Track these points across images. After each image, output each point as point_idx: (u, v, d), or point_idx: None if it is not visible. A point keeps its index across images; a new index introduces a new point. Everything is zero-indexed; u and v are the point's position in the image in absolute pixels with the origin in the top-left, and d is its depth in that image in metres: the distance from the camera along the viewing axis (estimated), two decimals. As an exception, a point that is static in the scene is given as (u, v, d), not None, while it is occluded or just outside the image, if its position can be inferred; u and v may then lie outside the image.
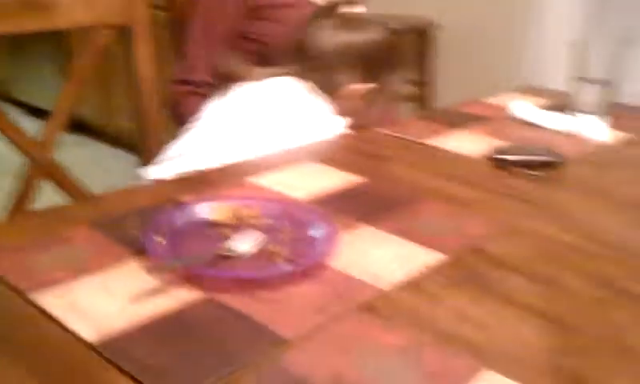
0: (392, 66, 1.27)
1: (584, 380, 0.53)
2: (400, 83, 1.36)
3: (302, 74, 1.20)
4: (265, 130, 1.12)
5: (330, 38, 1.20)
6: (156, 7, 1.22)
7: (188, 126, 1.20)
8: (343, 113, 1.19)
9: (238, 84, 1.18)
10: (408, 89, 2.84)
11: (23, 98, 3.80)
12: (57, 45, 3.47)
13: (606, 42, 1.70)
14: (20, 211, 1.07)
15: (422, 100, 2.87)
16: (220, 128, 1.13)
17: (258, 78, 1.19)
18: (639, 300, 0.66)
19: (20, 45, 3.78)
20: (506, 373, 0.52)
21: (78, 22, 1.13)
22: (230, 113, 1.15)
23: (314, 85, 1.19)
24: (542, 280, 0.68)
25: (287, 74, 1.19)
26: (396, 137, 1.14)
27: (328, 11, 1.24)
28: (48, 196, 1.14)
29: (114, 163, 3.28)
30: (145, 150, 1.26)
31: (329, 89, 1.20)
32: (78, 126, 3.22)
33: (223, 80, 1.20)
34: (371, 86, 1.22)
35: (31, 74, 3.80)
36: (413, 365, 0.53)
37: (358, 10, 1.27)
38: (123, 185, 0.88)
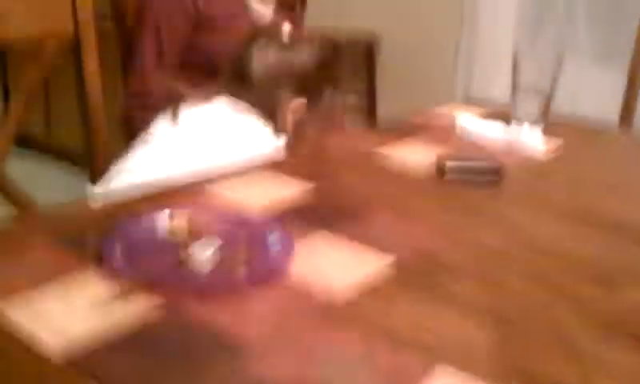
0: (329, 82, 1.30)
1: (530, 371, 0.57)
2: (340, 97, 1.39)
3: (240, 94, 1.21)
4: (209, 150, 1.13)
5: (265, 57, 1.22)
6: (103, 18, 1.22)
7: (138, 140, 1.20)
8: (281, 131, 1.22)
9: (186, 104, 1.20)
10: (353, 100, 2.89)
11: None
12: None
13: (543, 53, 1.78)
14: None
15: (367, 111, 2.93)
16: (168, 146, 1.14)
17: (201, 100, 1.20)
18: (579, 301, 0.70)
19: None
20: (458, 367, 0.55)
21: (26, 33, 1.13)
22: (178, 132, 1.16)
23: (251, 105, 1.21)
24: (488, 283, 0.72)
25: (226, 94, 1.21)
26: (344, 147, 1.18)
27: (264, 31, 1.26)
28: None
29: (57, 176, 3.22)
30: (93, 164, 1.26)
31: (266, 108, 1.22)
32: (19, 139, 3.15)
33: (171, 98, 1.21)
34: (305, 102, 1.24)
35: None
36: (369, 365, 0.56)
37: (289, 28, 1.29)
38: (68, 198, 0.89)
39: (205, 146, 1.11)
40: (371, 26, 2.89)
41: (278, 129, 1.21)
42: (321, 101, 1.27)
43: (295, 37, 1.26)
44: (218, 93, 1.21)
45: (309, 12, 1.70)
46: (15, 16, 1.10)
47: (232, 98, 1.20)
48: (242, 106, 1.19)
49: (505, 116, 1.36)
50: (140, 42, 1.46)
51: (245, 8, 1.53)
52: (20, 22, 1.11)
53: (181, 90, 1.20)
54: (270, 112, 1.21)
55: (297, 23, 1.65)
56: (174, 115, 1.16)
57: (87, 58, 1.21)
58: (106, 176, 1.15)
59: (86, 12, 1.18)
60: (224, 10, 1.49)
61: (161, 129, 1.19)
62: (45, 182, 2.70)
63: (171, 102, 1.19)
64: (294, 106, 1.23)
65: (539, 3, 2.47)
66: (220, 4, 1.49)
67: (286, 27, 1.26)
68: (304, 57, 1.24)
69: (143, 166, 1.12)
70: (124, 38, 1.53)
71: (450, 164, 1.07)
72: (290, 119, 1.23)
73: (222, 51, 1.45)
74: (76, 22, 1.18)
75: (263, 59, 1.21)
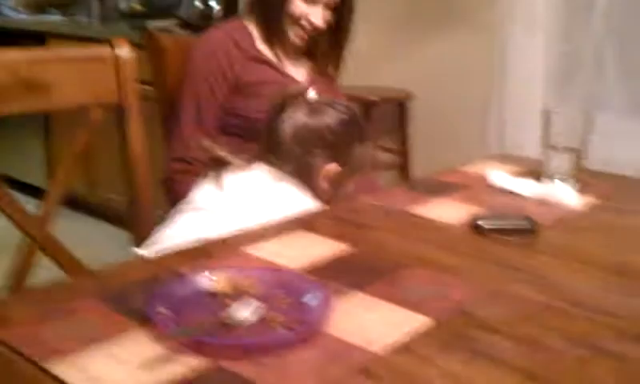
0: (359, 142, 1.32)
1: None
2: (371, 155, 1.42)
3: (274, 160, 1.25)
4: (250, 216, 1.17)
5: (293, 122, 1.26)
6: (143, 83, 1.28)
7: (180, 207, 1.25)
8: (315, 195, 1.25)
9: (227, 170, 1.24)
10: (387, 157, 2.93)
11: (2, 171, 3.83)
12: (39, 119, 3.52)
13: (573, 109, 1.80)
14: (20, 286, 1.10)
15: (401, 168, 2.96)
16: (211, 211, 1.18)
17: (242, 167, 1.24)
18: (615, 357, 0.70)
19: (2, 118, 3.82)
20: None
21: (75, 102, 1.19)
22: (221, 197, 1.20)
23: (286, 170, 1.24)
24: (525, 340, 0.73)
25: (264, 161, 1.25)
26: (379, 206, 1.20)
27: (291, 97, 1.29)
28: (46, 269, 1.17)
29: (99, 236, 3.29)
30: (136, 225, 1.30)
31: (299, 173, 1.25)
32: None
33: (212, 163, 1.25)
34: (340, 168, 1.27)
35: (13, 147, 3.83)
36: (409, 422, 0.57)
37: (315, 93, 1.33)
38: (110, 257, 0.92)
39: (246, 212, 1.15)
40: (404, 85, 2.94)
41: (313, 194, 1.25)
42: (352, 161, 1.30)
43: (323, 100, 1.30)
44: (256, 159, 1.25)
45: (342, 71, 1.75)
46: (65, 85, 1.16)
47: (269, 163, 1.24)
48: (280, 172, 1.23)
49: (537, 172, 1.38)
50: (181, 106, 1.52)
51: (280, 73, 1.59)
52: (70, 91, 1.17)
53: (223, 156, 1.25)
54: (304, 177, 1.25)
55: (330, 85, 1.70)
56: (218, 180, 1.21)
57: (131, 123, 1.27)
58: (150, 238, 1.19)
59: (131, 80, 1.24)
60: (260, 76, 1.55)
61: (204, 193, 1.23)
62: (86, 242, 2.78)
63: (214, 167, 1.23)
64: (327, 170, 1.26)
65: (568, 58, 2.50)
66: (256, 70, 1.55)
67: (312, 93, 1.30)
68: (332, 119, 1.27)
69: (186, 230, 1.15)
70: (165, 102, 1.59)
71: (484, 222, 1.08)
72: (323, 184, 1.26)
73: (257, 116, 1.51)
74: (121, 90, 1.23)
75: (292, 124, 1.25)
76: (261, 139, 1.31)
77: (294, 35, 1.57)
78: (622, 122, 2.38)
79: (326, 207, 1.23)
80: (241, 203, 1.18)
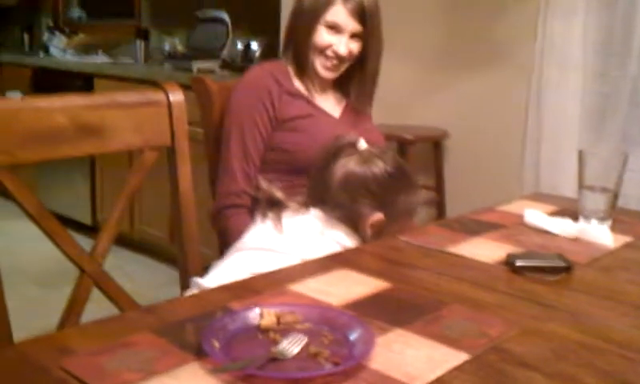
0: (405, 191, 1.37)
1: None
2: (416, 204, 1.46)
3: (324, 205, 1.31)
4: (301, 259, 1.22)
5: (345, 170, 1.32)
6: (190, 123, 1.35)
7: (238, 245, 1.31)
8: (365, 243, 1.30)
9: (284, 211, 1.30)
10: (422, 195, 2.96)
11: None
12: (85, 158, 3.64)
13: (608, 151, 1.82)
14: (76, 319, 1.16)
15: (438, 206, 2.99)
16: (269, 254, 1.24)
17: (298, 210, 1.30)
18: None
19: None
20: None
21: (129, 144, 1.26)
22: (279, 241, 1.26)
23: (335, 217, 1.30)
24: (559, 377, 0.76)
25: (315, 206, 1.31)
26: (417, 245, 1.24)
27: (343, 146, 1.35)
28: (96, 304, 1.23)
29: (141, 271, 3.37)
30: (183, 261, 1.36)
31: (348, 220, 1.30)
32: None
33: (269, 204, 1.32)
34: (385, 217, 1.32)
35: (60, 185, 3.97)
36: None
37: (366, 143, 1.38)
38: (154, 292, 0.97)
39: (302, 254, 1.20)
40: (439, 123, 2.99)
41: (360, 240, 1.30)
42: (397, 211, 1.34)
43: (374, 151, 1.35)
44: (308, 203, 1.31)
45: (376, 110, 1.80)
46: (120, 129, 1.23)
47: (320, 209, 1.29)
48: (330, 218, 1.28)
49: (572, 212, 1.40)
50: (227, 142, 1.58)
51: (313, 106, 1.64)
52: (124, 134, 1.24)
53: (280, 197, 1.31)
54: (351, 223, 1.30)
55: (367, 123, 1.74)
56: (277, 222, 1.27)
57: (181, 163, 1.33)
58: (199, 270, 1.25)
59: (182, 123, 1.31)
60: (295, 110, 1.60)
61: (262, 234, 1.29)
62: (130, 276, 2.86)
63: (271, 209, 1.30)
64: (373, 219, 1.31)
65: (604, 98, 2.52)
66: (292, 104, 1.60)
67: (363, 143, 1.36)
68: (379, 170, 1.32)
69: (243, 268, 1.21)
70: (211, 142, 1.66)
71: (519, 260, 1.12)
72: (368, 232, 1.31)
73: (299, 150, 1.57)
74: (173, 132, 1.30)
75: (341, 172, 1.31)
76: (310, 184, 1.37)
77: (321, 66, 1.62)
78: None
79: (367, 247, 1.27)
80: (298, 245, 1.24)
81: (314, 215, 1.30)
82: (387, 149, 1.42)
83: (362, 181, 1.31)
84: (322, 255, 1.16)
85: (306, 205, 1.33)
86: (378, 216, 1.32)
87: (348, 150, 1.34)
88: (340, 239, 1.28)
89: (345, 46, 1.60)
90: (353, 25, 1.59)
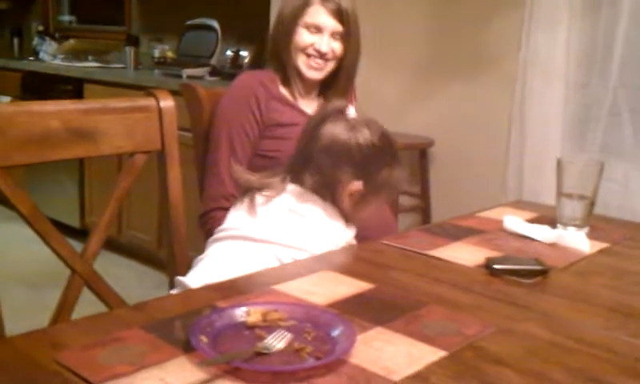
0: (388, 163, 1.36)
1: None
2: (400, 182, 1.46)
3: (303, 173, 1.32)
4: (282, 241, 1.25)
5: (331, 134, 1.32)
6: (180, 129, 1.38)
7: (216, 235, 1.34)
8: (340, 211, 1.32)
9: (258, 195, 1.33)
10: (407, 201, 3.01)
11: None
12: (74, 162, 3.66)
13: (586, 160, 1.87)
14: (65, 318, 1.19)
15: (423, 212, 3.04)
16: (245, 241, 1.27)
17: (272, 191, 1.32)
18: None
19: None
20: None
21: (120, 149, 1.29)
22: (254, 226, 1.29)
23: (313, 182, 1.31)
24: (530, 373, 0.80)
25: (292, 174, 1.32)
26: (399, 248, 1.28)
27: (332, 111, 1.37)
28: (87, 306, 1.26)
29: (128, 274, 3.38)
30: (172, 264, 1.39)
31: (327, 186, 1.31)
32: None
33: (244, 188, 1.34)
34: (365, 188, 1.32)
35: (49, 188, 3.98)
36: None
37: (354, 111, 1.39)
38: (141, 294, 1.00)
39: (278, 237, 1.23)
40: (425, 132, 3.03)
41: (335, 208, 1.31)
42: (377, 183, 1.35)
43: (361, 118, 1.36)
44: (285, 173, 1.32)
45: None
46: (112, 133, 1.27)
47: (296, 177, 1.31)
48: (306, 191, 1.30)
49: (551, 219, 1.45)
50: (215, 146, 1.61)
51: (297, 112, 1.68)
52: (116, 139, 1.27)
53: (253, 180, 1.33)
54: (329, 189, 1.31)
55: None
56: (251, 207, 1.29)
57: (171, 167, 1.36)
58: (187, 272, 1.28)
59: (172, 129, 1.35)
60: (285, 118, 1.64)
61: (238, 220, 1.32)
62: (117, 279, 2.89)
63: (246, 193, 1.32)
64: (351, 187, 1.33)
65: (585, 108, 2.57)
66: (278, 110, 1.64)
67: (352, 110, 1.38)
68: (364, 139, 1.33)
69: (223, 258, 1.24)
70: (200, 146, 1.69)
71: (497, 264, 1.16)
72: (345, 200, 1.33)
73: (284, 157, 1.60)
74: (164, 137, 1.34)
75: (326, 136, 1.32)
76: (296, 148, 1.38)
77: (305, 66, 1.65)
78: (636, 170, 2.44)
79: (347, 226, 1.30)
80: (273, 228, 1.26)
81: (290, 191, 1.31)
82: (376, 120, 1.41)
83: (346, 147, 1.31)
84: (300, 236, 1.18)
85: (284, 180, 1.33)
86: (356, 185, 1.32)
87: (336, 116, 1.35)
88: (313, 213, 1.29)
89: (326, 44, 1.63)
90: (333, 23, 1.63)
